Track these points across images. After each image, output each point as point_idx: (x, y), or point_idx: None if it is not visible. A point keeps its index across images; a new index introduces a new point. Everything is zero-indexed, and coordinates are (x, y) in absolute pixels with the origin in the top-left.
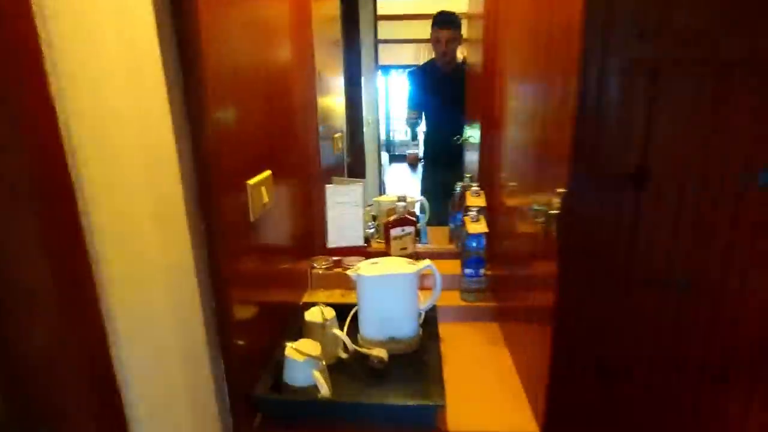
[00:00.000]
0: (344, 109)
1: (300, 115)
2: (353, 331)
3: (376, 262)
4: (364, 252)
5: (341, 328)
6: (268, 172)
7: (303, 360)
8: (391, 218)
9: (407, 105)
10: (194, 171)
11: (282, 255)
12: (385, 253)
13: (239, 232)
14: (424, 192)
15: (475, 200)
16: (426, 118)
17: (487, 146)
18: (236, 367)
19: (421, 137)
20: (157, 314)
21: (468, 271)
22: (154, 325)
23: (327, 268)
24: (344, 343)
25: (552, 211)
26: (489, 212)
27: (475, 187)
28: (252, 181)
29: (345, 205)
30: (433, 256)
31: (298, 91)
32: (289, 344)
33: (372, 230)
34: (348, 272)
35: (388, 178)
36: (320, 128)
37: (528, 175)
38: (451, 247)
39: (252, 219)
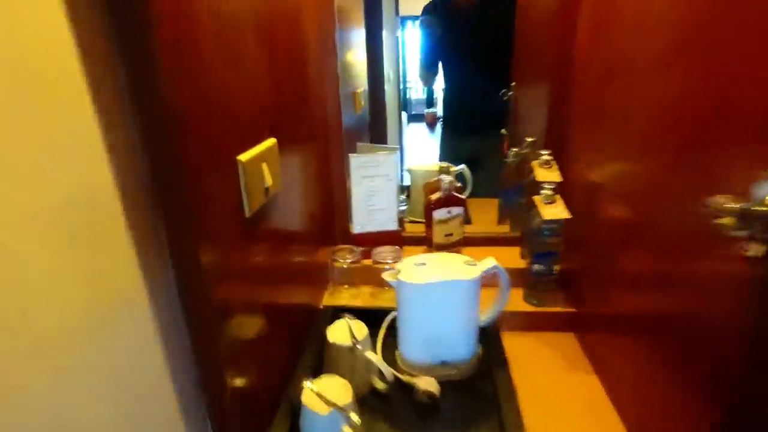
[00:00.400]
0: (365, 62)
1: (315, 68)
2: (390, 347)
3: (423, 263)
4: (397, 238)
5: (374, 342)
6: (271, 141)
7: (327, 413)
8: (434, 197)
9: (420, 57)
10: (144, 144)
11: (294, 249)
12: (424, 239)
13: (228, 235)
14: (443, 159)
15: (547, 174)
16: (445, 71)
17: (559, 105)
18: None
19: (439, 95)
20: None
21: (537, 267)
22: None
23: (353, 262)
24: (380, 370)
25: (758, 208)
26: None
27: (545, 156)
28: (246, 156)
29: (374, 179)
30: (480, 242)
31: (313, 37)
32: (307, 384)
33: (404, 207)
34: (385, 276)
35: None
36: (340, 83)
37: (679, 150)
38: (502, 229)
39: (248, 213)
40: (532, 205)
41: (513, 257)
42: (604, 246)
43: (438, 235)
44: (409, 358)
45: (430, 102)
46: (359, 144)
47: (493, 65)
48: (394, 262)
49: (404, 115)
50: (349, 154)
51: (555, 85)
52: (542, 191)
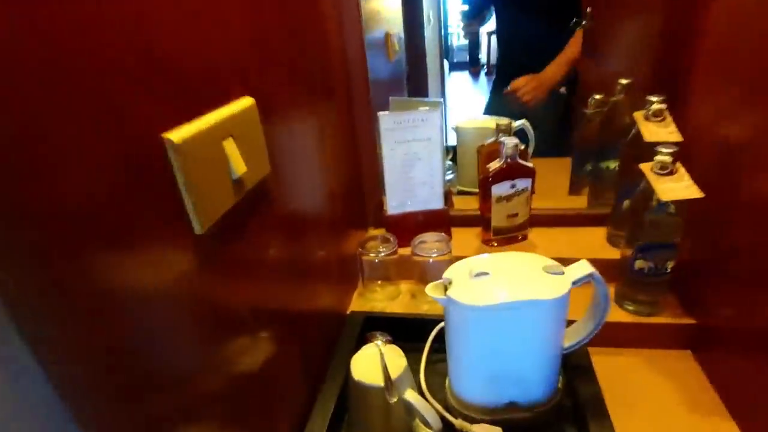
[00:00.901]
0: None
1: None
2: (437, 372)
3: (484, 272)
4: (443, 218)
5: (416, 371)
6: (244, 102)
7: None
8: (493, 166)
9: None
10: None
11: (306, 243)
12: (479, 218)
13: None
14: (489, 113)
15: (660, 131)
16: (498, 14)
17: (674, 28)
18: None
19: (483, 40)
20: None
21: (641, 263)
22: None
23: (387, 254)
24: (426, 418)
25: None
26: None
27: (657, 104)
28: (182, 133)
29: (412, 144)
30: (546, 221)
31: None
32: None
33: (451, 176)
34: (430, 291)
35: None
36: (366, 23)
37: None
38: (575, 203)
39: (200, 229)
40: (634, 176)
41: (595, 243)
42: (753, 235)
43: (498, 217)
44: (465, 398)
45: (474, 50)
46: (392, 99)
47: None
48: (441, 255)
49: (446, 63)
50: (379, 113)
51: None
52: (656, 157)
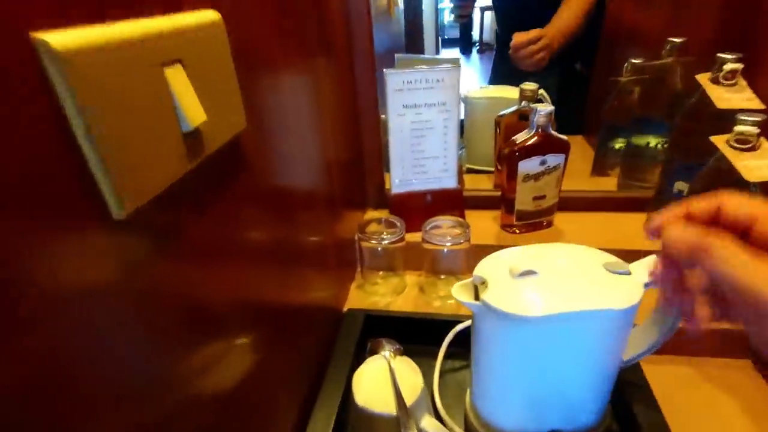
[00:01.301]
0: None
1: None
2: (450, 387)
3: (532, 271)
4: (456, 200)
5: (429, 383)
6: (207, 16)
7: None
8: (521, 139)
9: None
10: None
11: (294, 225)
12: (496, 200)
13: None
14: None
15: (733, 98)
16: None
17: None
18: None
19: (477, 18)
20: None
21: None
22: None
23: (393, 241)
24: None
25: None
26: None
27: (732, 63)
28: (80, 38)
29: (423, 111)
30: (573, 204)
31: None
32: None
33: (460, 152)
34: (456, 293)
35: None
36: None
37: None
38: (602, 185)
39: (120, 213)
40: (690, 153)
41: (631, 231)
42: None
43: (523, 199)
44: (495, 424)
45: (467, 30)
46: (398, 56)
47: None
48: (458, 244)
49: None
50: (385, 70)
51: None
52: (737, 127)
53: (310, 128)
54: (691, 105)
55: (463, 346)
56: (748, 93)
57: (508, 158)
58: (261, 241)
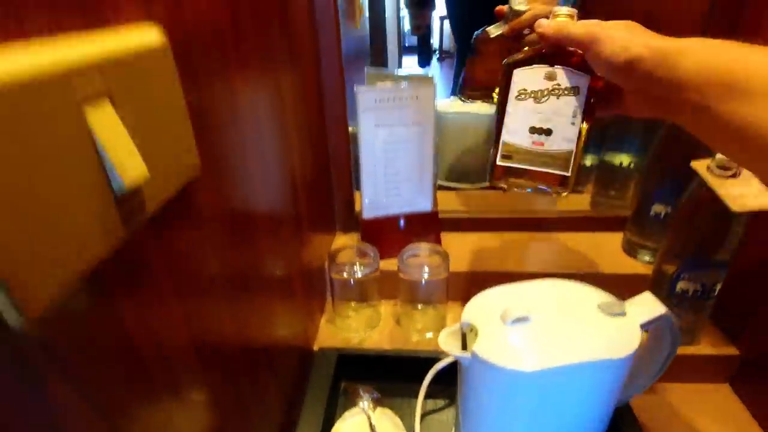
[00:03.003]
0: None
1: None
2: (432, 428)
3: (524, 317)
4: (431, 224)
5: (410, 420)
6: (147, 35)
7: None
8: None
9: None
10: None
11: (256, 255)
12: (473, 221)
13: None
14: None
15: (744, 193)
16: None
17: None
18: None
19: (436, 27)
20: None
21: (686, 286)
22: None
23: (367, 273)
24: None
25: None
26: None
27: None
28: None
29: (396, 129)
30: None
31: None
32: None
33: None
34: (443, 343)
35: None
36: None
37: None
38: (575, 205)
39: (15, 321)
40: (667, 174)
41: (608, 251)
42: None
43: (517, 127)
44: None
45: (425, 39)
46: (368, 69)
47: None
48: (436, 275)
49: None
50: (356, 87)
51: None
52: (718, 155)
53: (272, 143)
54: (668, 128)
55: (444, 383)
56: (757, 185)
57: (504, 69)
58: (216, 274)
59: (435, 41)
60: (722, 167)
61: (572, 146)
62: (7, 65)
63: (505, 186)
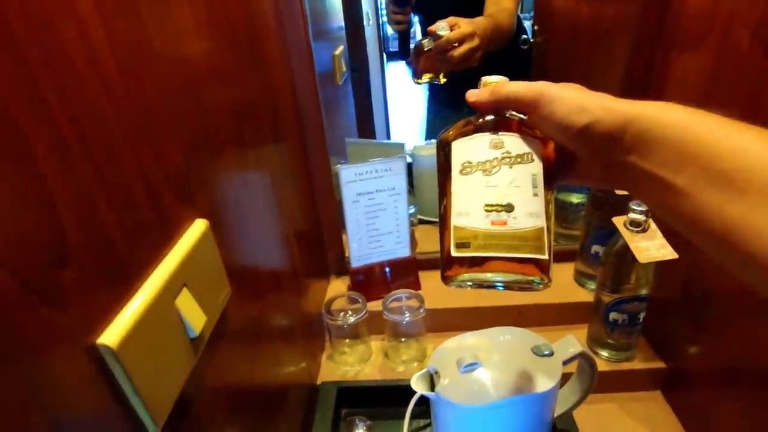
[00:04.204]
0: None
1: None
2: None
3: (474, 364)
4: (410, 267)
5: None
6: (198, 229)
7: None
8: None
9: None
10: None
11: (265, 309)
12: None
13: None
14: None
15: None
16: (420, 9)
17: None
18: None
19: (418, 30)
20: None
21: (616, 317)
22: None
23: (357, 318)
24: None
25: None
26: None
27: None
28: (122, 329)
29: (375, 196)
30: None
31: None
32: None
33: (412, 210)
34: (415, 385)
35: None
36: (312, 42)
37: None
38: None
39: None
40: (602, 221)
41: (563, 282)
42: (717, 282)
43: (467, 203)
44: None
45: (406, 41)
46: (348, 141)
47: None
48: (414, 318)
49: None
50: (338, 167)
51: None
52: (630, 215)
53: (270, 216)
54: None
55: (428, 403)
56: (659, 239)
57: (438, 145)
58: (238, 330)
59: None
60: (634, 224)
61: (542, 222)
62: (143, 304)
63: (470, 282)
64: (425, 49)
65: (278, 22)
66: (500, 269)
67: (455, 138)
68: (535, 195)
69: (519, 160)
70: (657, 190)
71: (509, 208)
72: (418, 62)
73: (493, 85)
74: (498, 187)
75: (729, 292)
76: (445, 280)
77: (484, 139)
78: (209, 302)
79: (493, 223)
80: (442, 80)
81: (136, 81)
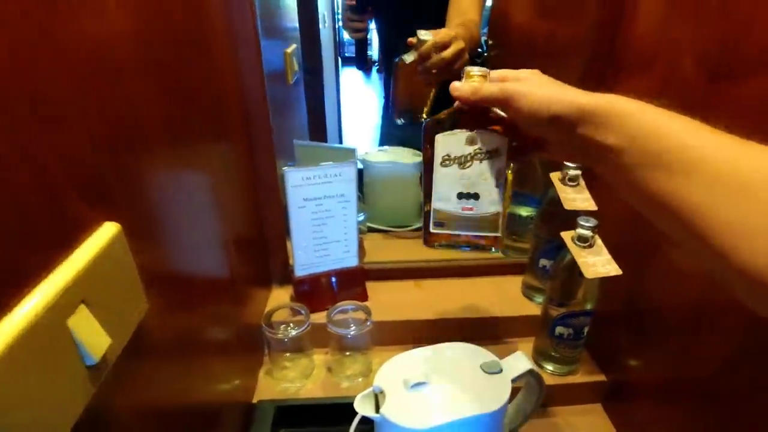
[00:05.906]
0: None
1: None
2: None
3: (422, 382)
4: (358, 277)
5: None
6: (106, 233)
7: None
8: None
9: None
10: None
11: (198, 317)
12: (396, 271)
13: None
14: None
15: (577, 199)
16: (378, 17)
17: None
18: None
19: (375, 37)
20: None
21: (562, 331)
22: None
23: (300, 332)
24: None
25: None
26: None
27: (572, 169)
28: None
29: (323, 202)
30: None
31: None
32: None
33: (361, 217)
34: (358, 406)
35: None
36: (262, 40)
37: None
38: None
39: None
40: (551, 235)
41: (511, 295)
42: (658, 296)
43: (445, 191)
44: None
45: (363, 48)
46: (297, 143)
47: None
48: (360, 331)
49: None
50: (284, 169)
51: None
52: (577, 230)
53: (207, 220)
54: (549, 197)
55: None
56: (586, 194)
57: (426, 127)
58: (159, 340)
59: (374, 53)
60: (582, 239)
61: (499, 208)
62: (22, 319)
63: (445, 244)
64: (407, 63)
65: (225, 11)
66: (466, 241)
67: (438, 130)
68: (497, 186)
69: (488, 156)
70: (611, 168)
71: (476, 197)
72: (398, 86)
73: (472, 85)
74: (469, 179)
75: (669, 306)
76: (427, 243)
77: (462, 135)
78: (117, 320)
79: (463, 209)
80: (424, 116)
81: (30, 54)
